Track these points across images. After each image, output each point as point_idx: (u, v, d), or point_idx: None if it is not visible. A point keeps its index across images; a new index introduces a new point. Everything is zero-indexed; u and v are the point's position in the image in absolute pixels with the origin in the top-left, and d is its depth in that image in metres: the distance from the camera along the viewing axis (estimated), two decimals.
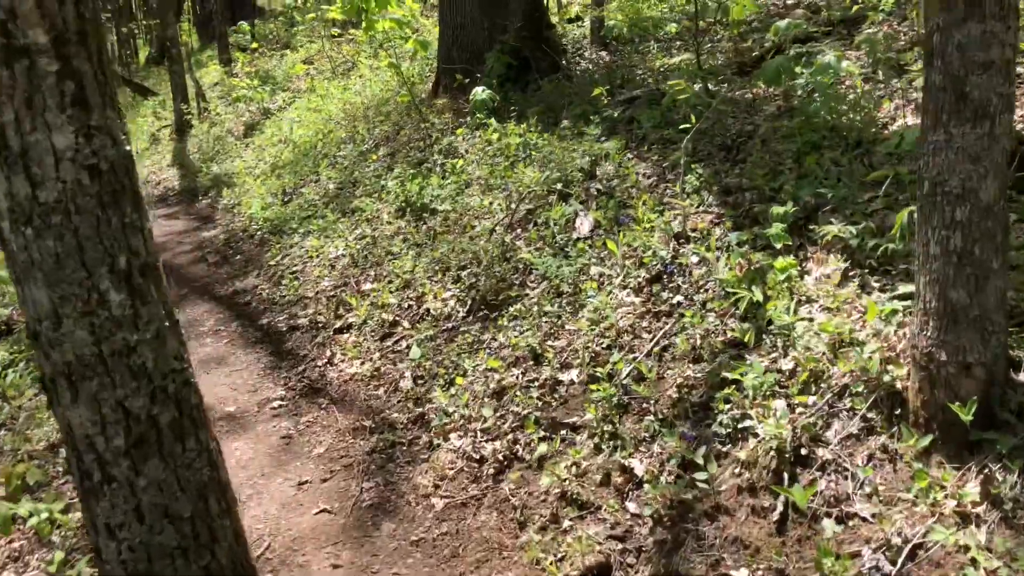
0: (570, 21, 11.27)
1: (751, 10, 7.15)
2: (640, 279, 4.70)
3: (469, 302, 5.60)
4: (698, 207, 5.05)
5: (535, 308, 5.00)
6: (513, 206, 6.41)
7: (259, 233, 9.01)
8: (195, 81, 17.11)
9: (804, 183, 4.72)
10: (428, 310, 5.73)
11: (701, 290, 4.34)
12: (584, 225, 5.63)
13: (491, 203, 6.80)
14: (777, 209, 4.31)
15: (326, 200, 8.96)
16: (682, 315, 4.28)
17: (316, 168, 10.21)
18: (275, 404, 5.25)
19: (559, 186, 6.06)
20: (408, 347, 5.42)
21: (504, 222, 6.27)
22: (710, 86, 6.85)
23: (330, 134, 11.10)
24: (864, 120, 5.27)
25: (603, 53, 9.67)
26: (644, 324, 4.35)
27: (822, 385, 3.36)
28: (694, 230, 4.84)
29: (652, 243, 4.82)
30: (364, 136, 10.24)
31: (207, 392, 5.71)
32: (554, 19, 10.91)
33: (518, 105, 8.64)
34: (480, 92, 8.59)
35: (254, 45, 17.82)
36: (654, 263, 4.70)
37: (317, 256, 7.57)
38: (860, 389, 3.19)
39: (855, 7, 6.63)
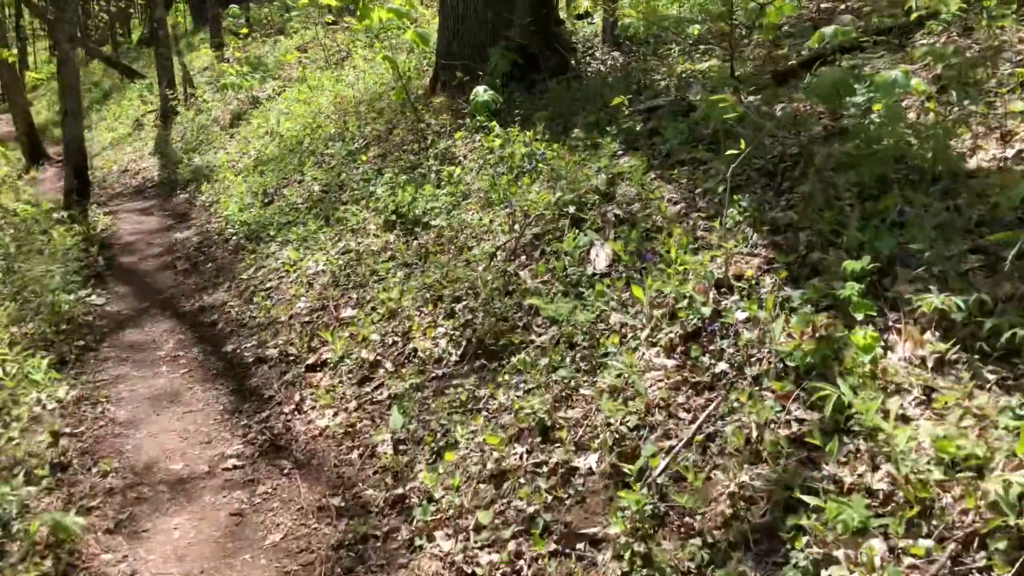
0: (579, 17, 10.32)
1: (788, 13, 6.24)
2: (673, 336, 3.79)
3: (464, 343, 4.69)
4: (741, 245, 4.15)
5: (543, 362, 4.09)
6: (517, 228, 5.49)
7: (235, 238, 8.07)
8: (182, 65, 16.09)
9: (878, 231, 3.82)
10: (415, 350, 4.82)
11: (752, 359, 3.44)
12: (600, 258, 4.72)
13: (491, 221, 5.88)
14: (851, 264, 3.40)
15: (309, 204, 8.02)
16: (729, 388, 3.38)
17: (301, 166, 9.26)
18: (230, 463, 4.33)
19: (571, 209, 5.15)
20: (390, 398, 4.50)
21: (507, 246, 5.35)
22: (746, 98, 5.94)
23: (319, 129, 10.14)
24: (937, 149, 4.37)
25: (616, 53, 8.74)
26: (681, 399, 3.45)
27: (935, 523, 2.47)
28: (738, 277, 3.94)
29: (687, 290, 3.91)
30: (354, 134, 9.29)
31: (152, 442, 4.84)
32: (562, 14, 9.96)
33: (523, 108, 7.71)
34: (482, 92, 7.65)
35: (244, 30, 16.80)
36: (691, 317, 3.80)
37: (294, 271, 6.64)
38: (1001, 545, 2.29)
39: (914, 14, 5.72)
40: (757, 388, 3.30)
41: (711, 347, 3.65)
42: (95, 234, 9.09)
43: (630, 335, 3.99)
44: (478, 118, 7.61)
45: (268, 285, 6.57)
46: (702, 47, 7.57)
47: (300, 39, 16.59)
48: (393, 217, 6.81)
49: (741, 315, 3.71)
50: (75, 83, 10.69)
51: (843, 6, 7.45)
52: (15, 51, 21.43)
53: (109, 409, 5.04)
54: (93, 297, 6.94)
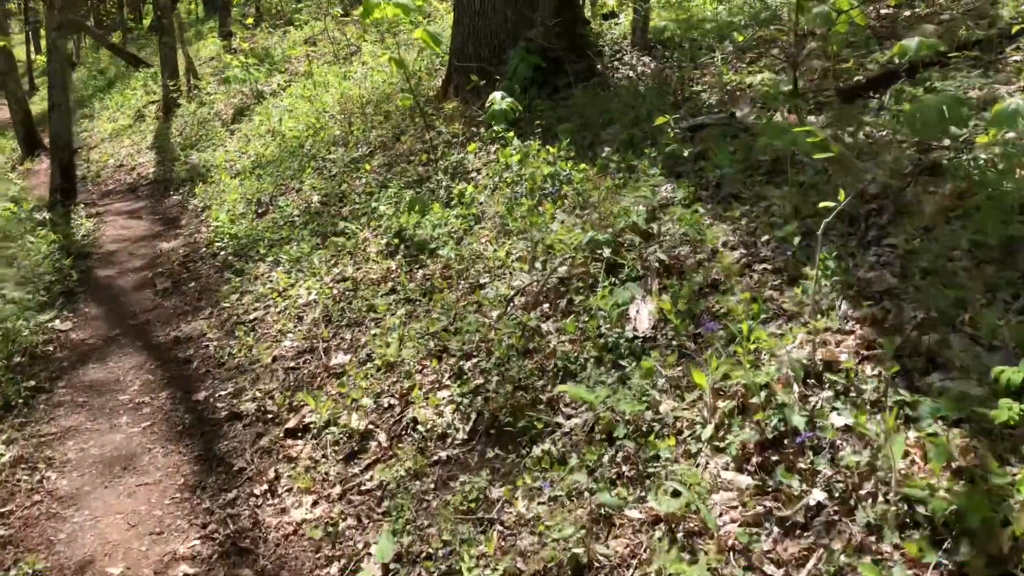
0: (605, 17, 9.33)
1: (858, 22, 5.26)
2: (747, 442, 2.85)
3: (473, 416, 3.76)
4: (829, 319, 3.20)
5: (573, 459, 3.15)
6: (539, 268, 4.55)
7: (223, 253, 7.14)
8: (186, 55, 15.13)
9: (1008, 308, 2.88)
10: (415, 421, 3.89)
11: (864, 494, 2.50)
12: (643, 317, 3.77)
13: (508, 255, 4.94)
14: (1007, 372, 2.45)
15: (306, 218, 7.08)
16: (832, 534, 2.45)
17: (301, 172, 8.32)
18: (180, 571, 3.40)
19: (605, 251, 4.19)
20: (382, 489, 3.57)
21: (527, 291, 4.41)
22: (806, 118, 4.98)
23: (322, 131, 9.19)
24: None
25: (647, 58, 7.76)
26: (766, 543, 2.51)
27: None
28: (830, 364, 2.99)
29: (762, 379, 2.97)
30: (359, 138, 8.35)
31: (93, 531, 3.54)
32: (587, 13, 8.97)
33: (545, 117, 6.76)
34: (499, 99, 6.70)
35: (249, 20, 15.82)
36: (770, 418, 2.86)
37: (283, 299, 5.71)
38: None
39: (1015, 26, 4.73)
40: (875, 541, 2.36)
41: (800, 464, 2.71)
42: (74, 241, 8.18)
43: (687, 432, 3.05)
44: (494, 128, 6.66)
45: (253, 315, 5.64)
46: (748, 56, 6.58)
47: (310, 31, 15.62)
48: (396, 241, 5.88)
49: (839, 420, 2.77)
50: (62, 74, 9.75)
51: (907, 13, 6.46)
52: (11, 37, 20.51)
53: (49, 477, 4.12)
54: (57, 322, 6.02)
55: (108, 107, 17.35)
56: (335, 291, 5.53)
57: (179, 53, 15.02)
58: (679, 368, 3.37)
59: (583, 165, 5.48)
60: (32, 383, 5.08)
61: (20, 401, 4.90)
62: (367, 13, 6.34)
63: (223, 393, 4.81)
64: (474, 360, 4.09)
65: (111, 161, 13.00)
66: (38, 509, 3.87)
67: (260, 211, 7.73)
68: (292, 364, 4.84)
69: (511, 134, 6.52)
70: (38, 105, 17.66)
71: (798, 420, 2.76)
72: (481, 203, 5.88)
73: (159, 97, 15.08)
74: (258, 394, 4.61)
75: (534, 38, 7.60)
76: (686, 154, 4.84)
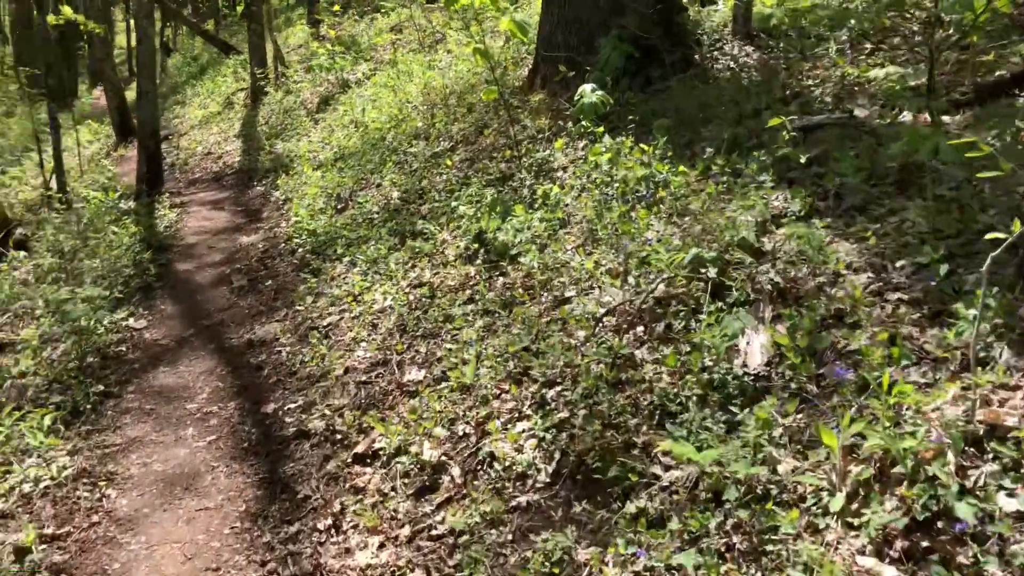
0: (703, 3, 8.69)
1: (1003, 8, 4.58)
2: (889, 522, 2.34)
3: (557, 457, 3.32)
4: (987, 363, 2.65)
5: (674, 522, 2.69)
6: (632, 283, 4.07)
7: (300, 250, 6.87)
8: (274, 43, 15.04)
9: None
10: (492, 456, 3.48)
11: None
12: (755, 350, 3.27)
13: (596, 267, 4.48)
14: None
15: (384, 216, 6.75)
16: None
17: (382, 166, 8.00)
18: None
19: (711, 271, 3.69)
20: (454, 536, 3.17)
21: (618, 310, 3.95)
22: (937, 117, 4.35)
23: (404, 123, 8.86)
24: None
25: (749, 48, 7.13)
26: None
27: None
28: (994, 428, 2.45)
29: (908, 444, 2.44)
30: (440, 131, 7.97)
31: (148, 562, 3.21)
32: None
33: (638, 112, 6.24)
34: (589, 92, 6.21)
35: (336, 7, 15.62)
36: (920, 497, 2.34)
37: (358, 304, 5.38)
38: None
39: None
40: None
41: (959, 557, 2.19)
42: (156, 233, 8.06)
43: (812, 500, 2.55)
44: (583, 123, 6.18)
45: (327, 320, 5.33)
46: (867, 46, 5.92)
47: (396, 18, 15.35)
48: (475, 244, 5.48)
49: (1009, 504, 2.23)
50: (151, 62, 9.67)
51: None
52: (115, 24, 20.92)
53: (110, 496, 3.88)
54: (131, 320, 5.85)
55: (199, 94, 17.48)
56: (411, 297, 5.17)
57: (268, 41, 14.95)
58: (800, 417, 2.87)
59: (681, 167, 4.96)
60: (101, 387, 4.87)
61: (88, 407, 4.70)
62: (450, 1, 5.93)
63: (292, 406, 4.50)
64: (558, 388, 3.65)
65: (199, 148, 13.01)
66: (95, 532, 3.62)
67: (340, 207, 7.44)
68: (364, 378, 4.49)
69: (601, 129, 6.04)
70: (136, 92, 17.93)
71: (958, 503, 2.24)
72: (567, 205, 5.43)
73: (247, 85, 15.05)
74: (327, 411, 4.28)
75: (628, 26, 7.07)
76: (803, 160, 4.26)
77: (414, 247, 5.51)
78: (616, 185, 5.26)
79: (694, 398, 3.18)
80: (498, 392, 3.86)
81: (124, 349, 5.47)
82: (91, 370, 5.11)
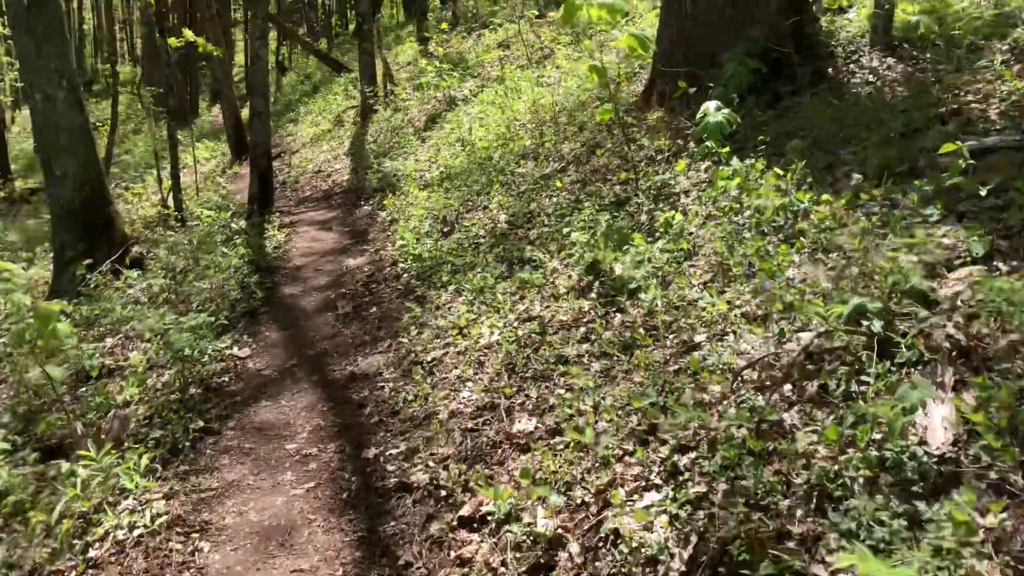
0: (836, 11, 8.00)
1: None
2: None
3: (694, 540, 2.83)
4: None
5: None
6: (775, 331, 3.54)
7: (406, 275, 6.58)
8: (384, 61, 15.02)
9: None
10: (616, 533, 3.02)
11: None
12: (935, 424, 2.70)
13: (731, 307, 3.96)
14: None
15: (492, 241, 6.39)
16: None
17: (489, 187, 7.67)
18: None
19: (875, 324, 3.13)
20: None
21: (761, 363, 3.43)
22: None
23: (511, 141, 8.51)
24: None
25: (891, 60, 6.45)
26: None
27: None
28: None
29: None
30: (550, 151, 7.58)
31: None
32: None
33: (768, 131, 5.69)
34: (712, 110, 5.70)
35: (444, 25, 15.50)
36: None
37: (464, 338, 5.02)
38: None
39: None
40: None
41: None
42: (264, 254, 7.96)
43: None
44: (707, 144, 5.66)
45: (431, 354, 4.99)
46: None
47: (503, 33, 15.11)
48: (589, 276, 5.04)
49: None
50: (264, 83, 9.66)
51: None
52: (235, 43, 21.48)
53: (202, 549, 3.61)
54: (235, 348, 5.67)
55: (312, 111, 17.69)
56: (520, 333, 4.76)
57: (378, 59, 14.94)
58: (1006, 518, 2.30)
59: (825, 196, 4.39)
60: (202, 423, 4.66)
61: (187, 444, 4.49)
62: (568, 16, 5.52)
63: (394, 452, 4.16)
64: (692, 455, 3.16)
65: (310, 167, 13.04)
66: None
67: (445, 230, 7.14)
68: (470, 424, 4.11)
69: (726, 150, 5.52)
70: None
71: None
72: (691, 235, 4.92)
73: (357, 103, 15.08)
74: (431, 461, 3.91)
75: (754, 38, 6.51)
76: (983, 192, 3.63)
77: (523, 278, 5.09)
78: (748, 214, 4.73)
79: (861, 480, 2.65)
80: (621, 453, 3.40)
81: (227, 380, 5.27)
82: (193, 403, 4.92)
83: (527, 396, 4.17)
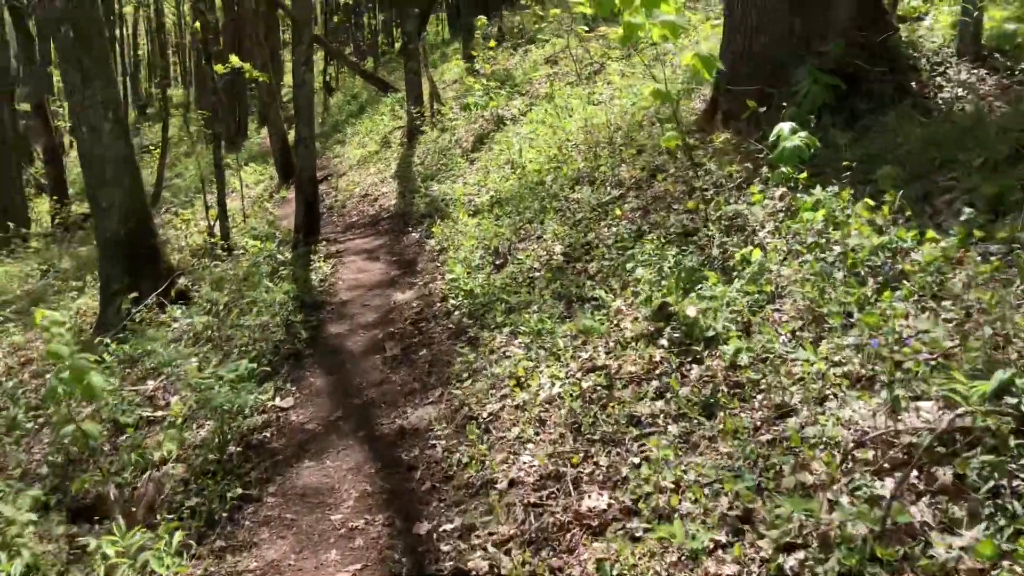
0: (911, 20, 7.40)
1: None
2: None
3: None
4: None
5: None
6: (883, 397, 3.02)
7: (457, 313, 6.16)
8: (430, 80, 14.69)
9: None
10: None
11: None
12: None
13: (828, 364, 3.44)
14: None
15: (548, 275, 5.93)
16: None
17: (542, 214, 7.22)
18: None
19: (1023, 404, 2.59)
20: None
21: (875, 442, 2.90)
22: None
23: (564, 164, 8.05)
24: None
25: (981, 71, 5.85)
26: None
27: None
28: None
29: None
30: (606, 174, 7.10)
31: None
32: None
33: (849, 154, 5.15)
34: (787, 132, 5.15)
35: (492, 43, 15.10)
36: None
37: (522, 390, 4.56)
38: None
39: None
40: None
41: None
42: (310, 288, 7.61)
43: None
44: (783, 170, 5.13)
45: (487, 408, 4.53)
46: None
47: (551, 49, 14.67)
48: (659, 316, 4.55)
49: None
50: (309, 109, 9.36)
51: None
52: (283, 64, 21.40)
53: None
54: (278, 399, 5.29)
55: (359, 132, 17.46)
56: (584, 385, 4.29)
57: (424, 77, 14.61)
58: None
59: (930, 233, 3.84)
60: (240, 489, 4.27)
61: (224, 514, 4.10)
62: (627, 37, 5.05)
63: (449, 528, 3.71)
64: (800, 555, 2.65)
65: (357, 190, 12.74)
66: None
67: (498, 262, 6.70)
68: (534, 497, 3.64)
69: (803, 176, 4.98)
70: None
71: None
72: (774, 273, 4.40)
73: (404, 123, 14.77)
74: (491, 544, 3.45)
75: (828, 52, 5.97)
76: None
77: (586, 325, 4.60)
78: (837, 250, 4.20)
79: None
80: (712, 546, 2.90)
81: (268, 435, 4.88)
82: (231, 464, 4.54)
83: (596, 464, 3.69)
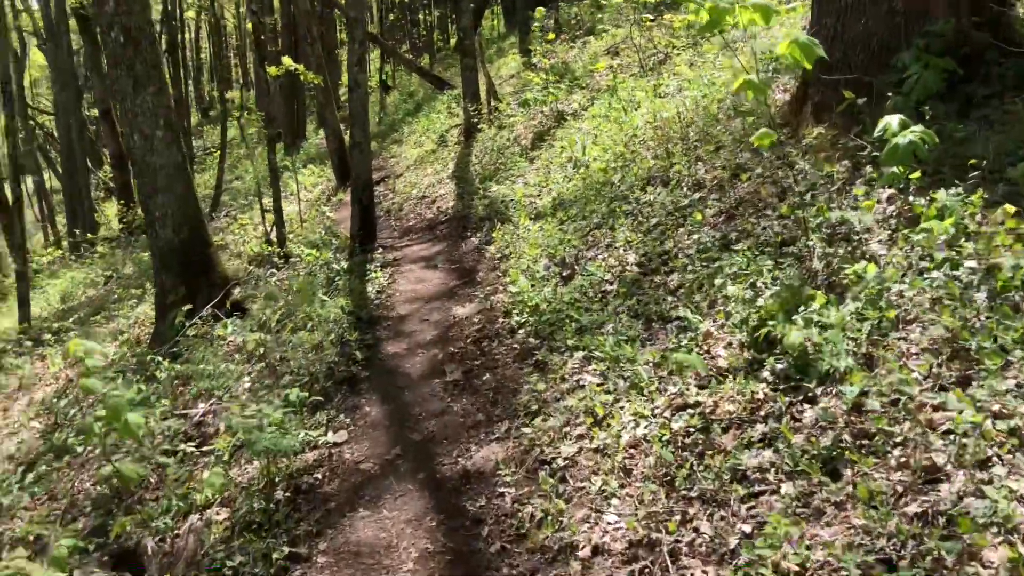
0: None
1: None
2: None
3: None
4: None
5: None
6: None
7: (522, 332, 5.58)
8: (487, 76, 14.11)
9: None
10: None
11: None
12: None
13: (983, 416, 2.76)
14: None
15: (622, 290, 5.31)
16: None
17: (611, 217, 6.59)
18: None
19: None
20: None
21: None
22: None
23: (632, 163, 7.40)
24: None
25: None
26: None
27: None
28: None
29: None
30: (682, 174, 6.43)
31: None
32: None
33: (972, 150, 4.40)
34: (895, 126, 4.39)
35: (551, 36, 14.43)
36: None
37: (600, 429, 3.96)
38: None
39: None
40: None
41: None
42: (366, 301, 7.11)
43: None
44: (894, 170, 4.40)
45: (561, 449, 3.94)
46: None
47: (610, 39, 13.95)
48: (759, 343, 3.90)
49: None
50: (364, 112, 8.86)
51: None
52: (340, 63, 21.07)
53: None
54: (330, 434, 4.79)
55: (415, 131, 17.00)
56: (675, 427, 3.67)
57: (480, 73, 14.04)
58: None
59: None
60: (287, 547, 3.76)
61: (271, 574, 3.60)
62: (712, 24, 4.37)
63: None
64: None
65: (414, 192, 12.25)
66: None
67: (565, 273, 6.09)
68: (623, 569, 3.04)
69: (916, 176, 4.26)
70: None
71: None
72: (894, 295, 3.71)
73: (461, 121, 14.24)
74: None
75: (940, 32, 5.19)
76: None
77: (679, 360, 3.96)
78: (971, 266, 3.49)
79: None
80: None
81: (319, 477, 4.37)
82: (278, 513, 4.03)
83: (696, 531, 3.07)
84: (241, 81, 37.41)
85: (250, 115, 18.50)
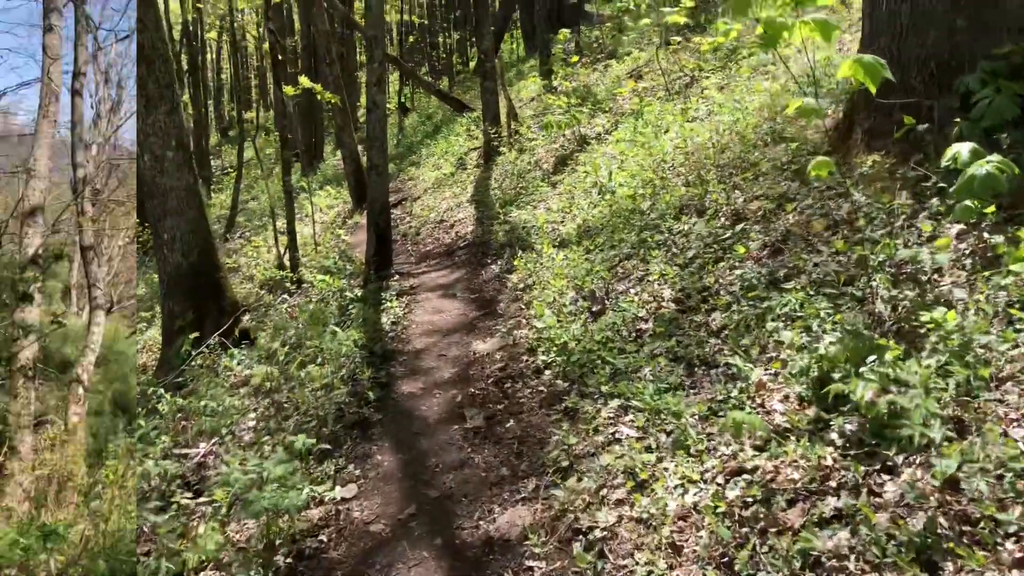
0: None
1: None
2: None
3: None
4: None
5: None
6: None
7: (548, 372, 5.10)
8: (507, 98, 13.72)
9: None
10: None
11: None
12: None
13: None
14: None
15: (659, 328, 4.82)
16: None
17: (642, 247, 6.12)
18: None
19: None
20: None
21: None
22: None
23: (663, 190, 6.92)
24: None
25: None
26: None
27: None
28: None
29: None
30: (719, 203, 5.95)
31: None
32: None
33: None
34: (966, 155, 3.90)
35: (574, 59, 14.02)
36: None
37: (642, 494, 3.46)
38: None
39: None
40: None
41: None
42: (380, 333, 6.64)
43: None
44: (968, 204, 3.90)
45: (598, 517, 3.44)
46: None
47: (632, 63, 13.55)
48: (822, 398, 3.41)
49: None
50: (381, 134, 8.45)
51: None
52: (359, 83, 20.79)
53: None
54: (337, 488, 4.30)
55: (433, 154, 16.62)
56: (729, 496, 3.17)
57: (500, 96, 13.65)
58: None
59: None
60: None
61: None
62: (771, 40, 3.92)
63: None
64: None
65: (431, 215, 11.83)
66: None
67: (595, 308, 5.60)
68: None
69: (991, 209, 3.77)
70: None
71: None
72: (983, 347, 3.20)
73: (480, 143, 13.84)
74: None
75: (1008, 52, 4.71)
76: None
77: (736, 420, 3.45)
78: None
79: None
80: None
81: (324, 540, 3.88)
82: None
83: None
84: (260, 101, 37.34)
85: (267, 136, 18.24)
